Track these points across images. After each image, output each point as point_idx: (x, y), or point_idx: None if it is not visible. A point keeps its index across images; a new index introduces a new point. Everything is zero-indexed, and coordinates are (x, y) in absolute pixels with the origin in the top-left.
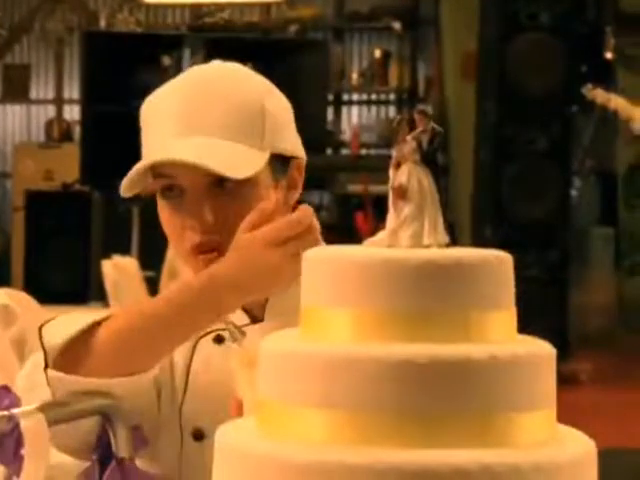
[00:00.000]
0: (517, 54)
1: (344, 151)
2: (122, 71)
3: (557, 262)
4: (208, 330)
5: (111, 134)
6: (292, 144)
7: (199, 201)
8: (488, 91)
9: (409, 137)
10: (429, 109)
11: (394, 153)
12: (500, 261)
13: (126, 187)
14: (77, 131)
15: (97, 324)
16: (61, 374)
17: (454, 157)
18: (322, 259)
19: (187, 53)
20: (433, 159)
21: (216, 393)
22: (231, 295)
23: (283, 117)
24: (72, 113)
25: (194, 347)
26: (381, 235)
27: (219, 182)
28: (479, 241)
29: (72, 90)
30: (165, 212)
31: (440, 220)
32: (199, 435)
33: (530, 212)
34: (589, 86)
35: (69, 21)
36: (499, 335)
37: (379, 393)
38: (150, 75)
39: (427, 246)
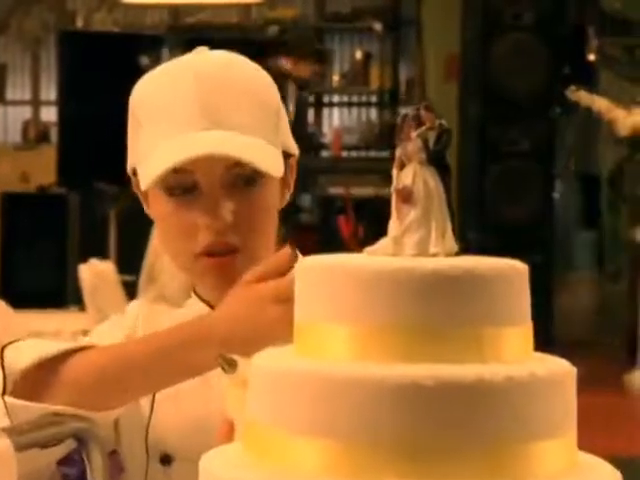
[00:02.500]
0: (500, 55)
1: (324, 153)
2: (100, 72)
3: (541, 265)
4: None
5: (88, 136)
6: (292, 141)
7: (216, 198)
8: (471, 92)
9: (414, 135)
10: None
11: (397, 152)
12: (515, 271)
13: (151, 183)
14: (54, 132)
15: (69, 353)
16: (21, 402)
17: None
18: (318, 269)
19: (166, 53)
20: (440, 159)
21: (185, 414)
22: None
23: (284, 111)
24: (49, 114)
25: None
26: (383, 242)
27: (236, 179)
28: (463, 244)
29: (49, 91)
30: (169, 209)
31: (448, 226)
32: (167, 459)
33: (513, 214)
34: (573, 88)
35: (46, 21)
36: (515, 354)
37: (380, 419)
38: (128, 76)
39: (434, 255)
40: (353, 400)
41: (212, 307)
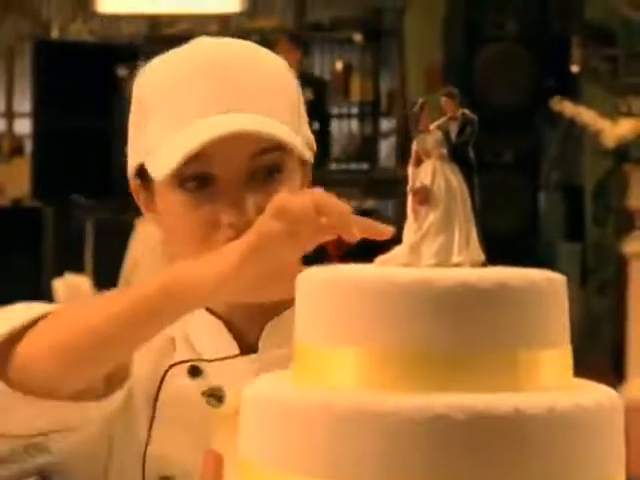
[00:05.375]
0: (483, 65)
1: None
2: (75, 82)
3: None
4: (182, 359)
5: (63, 148)
6: (310, 135)
7: (240, 191)
8: None
9: (433, 126)
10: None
11: (414, 146)
12: (552, 284)
13: (169, 172)
14: (28, 145)
15: (33, 323)
16: None
17: None
18: (321, 282)
19: (143, 64)
20: (464, 154)
21: (188, 433)
22: (201, 289)
23: (304, 108)
24: (23, 126)
25: (163, 376)
26: (397, 251)
27: (259, 170)
28: None
29: (23, 102)
30: (183, 206)
31: (473, 231)
32: None
33: (497, 226)
34: (557, 98)
35: (20, 30)
36: (554, 381)
37: (396, 457)
38: (104, 87)
39: (457, 265)
40: (363, 435)
41: (221, 318)
